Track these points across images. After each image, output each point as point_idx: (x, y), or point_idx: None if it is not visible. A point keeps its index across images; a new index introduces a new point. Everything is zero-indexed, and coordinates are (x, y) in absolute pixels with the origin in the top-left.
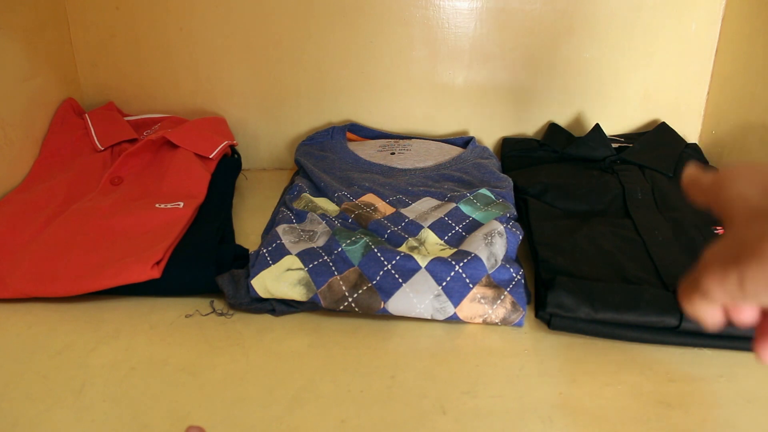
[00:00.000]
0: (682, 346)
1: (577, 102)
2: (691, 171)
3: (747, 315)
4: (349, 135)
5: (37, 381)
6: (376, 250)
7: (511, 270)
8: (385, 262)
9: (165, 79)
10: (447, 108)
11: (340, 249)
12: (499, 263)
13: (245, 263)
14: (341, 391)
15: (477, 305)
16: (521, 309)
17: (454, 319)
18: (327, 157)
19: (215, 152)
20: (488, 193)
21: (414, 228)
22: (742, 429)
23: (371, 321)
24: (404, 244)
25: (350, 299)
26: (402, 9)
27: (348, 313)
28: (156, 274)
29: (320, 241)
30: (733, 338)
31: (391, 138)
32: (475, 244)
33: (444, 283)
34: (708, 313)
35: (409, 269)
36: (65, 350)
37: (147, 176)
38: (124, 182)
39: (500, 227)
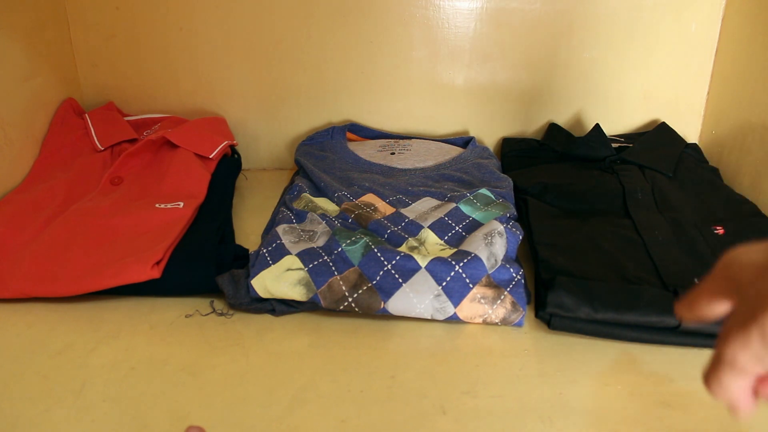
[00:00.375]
0: (682, 346)
1: (577, 102)
2: (683, 302)
3: None
4: (349, 135)
5: (37, 381)
6: (376, 250)
7: (511, 270)
8: (385, 262)
9: (165, 79)
10: (447, 108)
11: (340, 249)
12: (499, 263)
13: (245, 263)
14: (341, 391)
15: (477, 305)
16: (521, 309)
17: (454, 319)
18: (327, 157)
19: (215, 152)
20: (488, 193)
21: (414, 228)
22: (742, 429)
23: (371, 321)
24: (404, 244)
25: (350, 299)
26: (402, 9)
27: (348, 313)
28: (156, 274)
29: (320, 241)
30: None
31: (391, 138)
32: (475, 244)
33: (444, 283)
34: (740, 389)
35: (409, 269)
36: (65, 350)
37: (147, 176)
38: (124, 182)
39: (500, 227)
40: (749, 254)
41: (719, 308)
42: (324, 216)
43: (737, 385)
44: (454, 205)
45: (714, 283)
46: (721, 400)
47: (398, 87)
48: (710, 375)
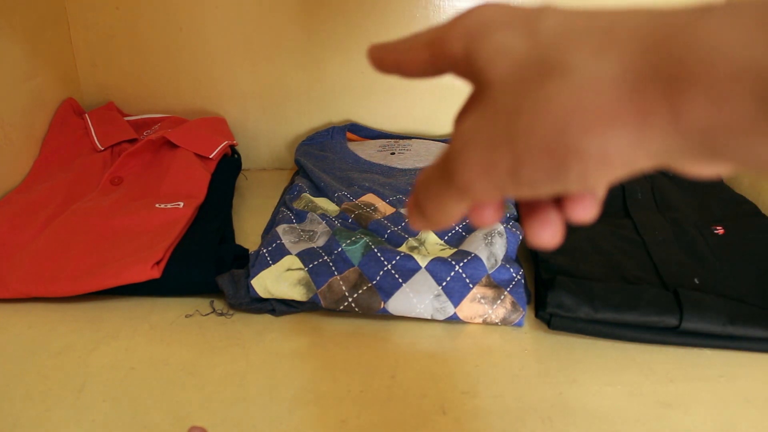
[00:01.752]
0: (682, 346)
1: None
2: (379, 47)
3: (491, 213)
4: (349, 135)
5: (37, 381)
6: (376, 250)
7: (511, 270)
8: (385, 262)
9: (165, 79)
10: (447, 108)
11: (340, 249)
12: (499, 263)
13: (245, 263)
14: (341, 391)
15: (477, 305)
16: (521, 309)
17: (454, 319)
18: (327, 157)
19: (215, 152)
20: None
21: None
22: (742, 429)
23: (371, 321)
24: (404, 244)
25: (350, 299)
26: (402, 9)
27: (348, 313)
28: (156, 274)
29: (320, 241)
30: (733, 338)
31: (391, 138)
32: (475, 244)
33: (444, 283)
34: (458, 214)
35: (409, 269)
36: (65, 350)
37: (147, 176)
38: (124, 182)
39: (500, 227)
40: (505, 33)
41: (424, 72)
42: (324, 216)
43: (458, 210)
44: None
45: (439, 45)
46: (424, 214)
47: (398, 87)
48: (431, 194)
